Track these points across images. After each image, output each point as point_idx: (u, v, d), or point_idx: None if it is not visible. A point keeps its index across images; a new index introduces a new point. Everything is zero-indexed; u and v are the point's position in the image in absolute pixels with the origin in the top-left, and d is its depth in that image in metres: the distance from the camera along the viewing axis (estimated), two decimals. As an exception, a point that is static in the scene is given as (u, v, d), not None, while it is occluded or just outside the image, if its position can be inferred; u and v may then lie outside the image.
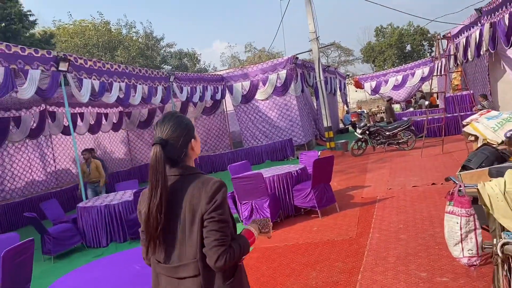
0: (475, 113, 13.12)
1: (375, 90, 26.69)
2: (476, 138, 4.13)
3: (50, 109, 13.84)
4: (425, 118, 15.30)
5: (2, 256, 3.67)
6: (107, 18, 39.62)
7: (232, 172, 7.79)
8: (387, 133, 12.59)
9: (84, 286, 2.92)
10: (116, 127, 17.59)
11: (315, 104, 19.57)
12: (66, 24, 34.49)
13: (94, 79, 9.63)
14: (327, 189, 6.55)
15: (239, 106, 16.61)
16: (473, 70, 14.86)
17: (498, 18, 11.35)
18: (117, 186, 9.31)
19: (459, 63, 15.67)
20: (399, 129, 12.51)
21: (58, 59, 8.45)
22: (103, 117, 16.76)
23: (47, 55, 8.27)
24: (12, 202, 10.97)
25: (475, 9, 13.07)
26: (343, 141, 15.01)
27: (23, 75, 7.73)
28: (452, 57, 15.60)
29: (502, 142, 3.67)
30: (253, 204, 6.18)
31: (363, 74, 30.13)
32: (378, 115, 30.62)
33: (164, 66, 40.35)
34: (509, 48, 10.97)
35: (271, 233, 2.07)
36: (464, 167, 3.55)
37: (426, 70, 24.56)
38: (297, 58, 15.62)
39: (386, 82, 26.23)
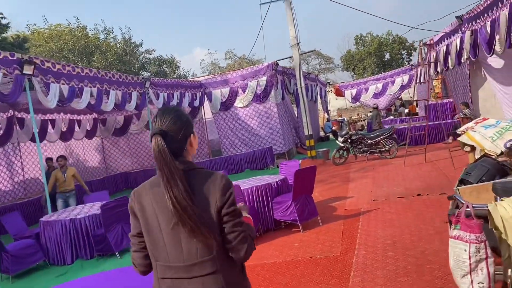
0: (457, 121, 13.10)
1: (356, 98, 26.64)
2: (473, 148, 3.80)
3: (19, 116, 13.14)
4: (406, 126, 15.22)
5: None
6: (84, 23, 38.59)
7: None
8: (369, 142, 12.34)
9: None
10: (90, 135, 16.93)
11: (295, 112, 19.29)
12: (41, 28, 33.58)
13: (62, 84, 9.06)
14: (309, 201, 6.16)
15: (218, 113, 16.17)
16: (453, 78, 14.78)
17: (480, 26, 11.25)
18: (86, 198, 8.74)
19: (439, 71, 15.61)
20: (381, 137, 12.29)
21: (22, 61, 7.87)
22: (76, 124, 16.10)
23: (10, 57, 7.69)
24: (-27, 215, 10.26)
25: (456, 17, 12.97)
26: (324, 149, 14.72)
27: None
28: (433, 64, 15.55)
29: (502, 153, 3.35)
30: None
31: (343, 82, 30.12)
32: (358, 123, 30.64)
33: (142, 73, 39.68)
34: (490, 55, 10.86)
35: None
36: (462, 181, 3.20)
37: (406, 78, 24.62)
38: (277, 64, 15.30)
39: (367, 90, 26.21)
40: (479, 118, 3.98)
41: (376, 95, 25.84)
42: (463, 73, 13.96)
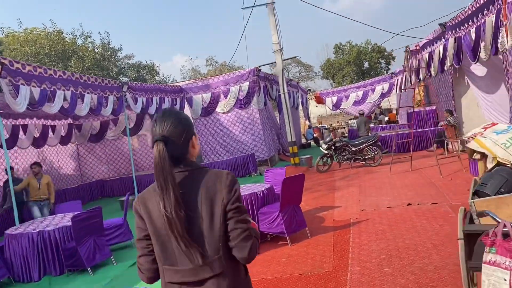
0: (441, 129, 13.01)
1: (336, 106, 26.59)
2: (483, 155, 3.51)
3: (-13, 120, 12.42)
4: (388, 134, 15.09)
5: None
6: (61, 27, 37.69)
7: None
8: (353, 149, 12.10)
9: None
10: (64, 141, 16.25)
11: (277, 118, 19.00)
12: (16, 32, 32.58)
13: (33, 86, 8.51)
14: (296, 212, 5.80)
15: (199, 119, 15.73)
16: (436, 85, 14.74)
17: (464, 33, 11.18)
18: (57, 208, 8.17)
19: (421, 78, 15.57)
20: (365, 144, 12.06)
21: (-12, 62, 7.33)
22: (50, 130, 15.42)
23: (-25, 57, 7.14)
24: None
25: (439, 24, 12.94)
26: (307, 156, 14.43)
27: None
28: (414, 72, 15.52)
29: (516, 161, 3.06)
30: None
31: (323, 90, 30.10)
32: (338, 130, 30.58)
33: (121, 78, 38.90)
34: (475, 62, 10.78)
35: None
36: (477, 193, 2.89)
37: (386, 86, 24.68)
38: (259, 70, 15.00)
39: (347, 97, 26.19)
40: (487, 123, 3.70)
41: (357, 103, 25.86)
42: (446, 80, 13.92)
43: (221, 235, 1.66)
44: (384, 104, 33.04)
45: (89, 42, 37.40)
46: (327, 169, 12.36)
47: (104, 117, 15.84)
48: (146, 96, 13.11)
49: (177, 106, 15.07)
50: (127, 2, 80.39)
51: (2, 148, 12.63)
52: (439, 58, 13.48)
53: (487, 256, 2.02)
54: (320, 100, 26.64)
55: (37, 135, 14.48)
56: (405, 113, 22.46)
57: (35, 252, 6.13)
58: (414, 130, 14.50)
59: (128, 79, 38.65)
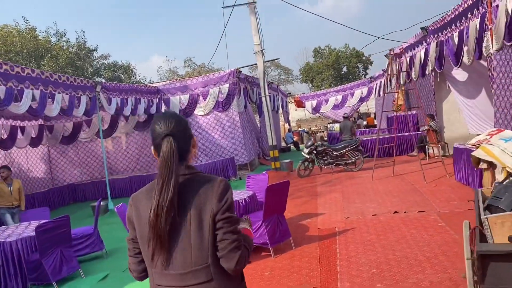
0: (422, 133, 12.91)
1: (316, 109, 26.50)
2: (490, 165, 3.24)
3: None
4: (370, 138, 14.95)
5: None
6: (34, 25, 36.52)
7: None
8: (335, 153, 11.86)
9: None
10: (34, 143, 15.50)
11: (258, 122, 18.68)
12: (-15, 29, 31.42)
13: (-2, 85, 7.95)
14: (281, 221, 5.46)
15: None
16: (417, 90, 14.64)
17: (446, 37, 11.09)
18: (22, 216, 7.61)
19: (401, 83, 15.51)
20: (347, 149, 11.84)
21: None
22: (19, 131, 14.68)
23: None
24: None
25: (421, 28, 12.87)
26: (288, 160, 14.13)
27: None
28: (397, 75, 15.47)
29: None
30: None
31: (302, 93, 29.99)
32: (317, 134, 30.50)
33: (96, 78, 37.95)
34: (458, 67, 10.69)
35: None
36: (489, 208, 2.61)
37: (365, 90, 24.72)
38: (240, 71, 14.65)
39: (327, 101, 26.14)
40: (492, 129, 3.44)
41: (336, 107, 25.84)
42: (427, 85, 13.87)
43: (210, 244, 1.64)
44: (362, 109, 33.14)
45: (64, 41, 36.41)
46: (308, 173, 12.09)
47: (77, 118, 15.21)
48: (121, 97, 12.59)
49: (154, 108, 14.59)
50: (104, 1, 78.93)
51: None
52: (420, 62, 13.42)
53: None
54: (300, 104, 26.49)
55: (4, 136, 13.74)
56: (383, 117, 22.55)
57: (-5, 264, 5.60)
58: (393, 135, 14.44)
59: (104, 80, 37.74)
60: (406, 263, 4.43)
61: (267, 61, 17.00)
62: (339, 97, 25.61)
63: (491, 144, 3.14)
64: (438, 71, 12.33)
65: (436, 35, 12.01)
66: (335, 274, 4.41)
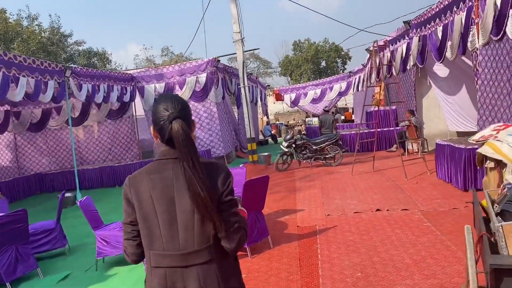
0: (401, 129, 12.75)
1: (295, 103, 26.26)
2: (498, 163, 2.93)
3: None
4: (348, 133, 14.73)
5: None
6: (3, 6, 34.95)
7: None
8: (314, 147, 11.56)
9: None
10: (0, 129, 14.69)
11: (235, 113, 18.25)
12: (-50, 9, 29.88)
13: (-47, 65, 7.29)
14: (259, 218, 5.09)
15: (150, 110, 14.68)
16: (397, 85, 14.44)
17: (430, 31, 10.89)
18: (-24, 208, 7.02)
19: (381, 78, 15.34)
20: (326, 143, 11.55)
21: None
22: (-18, 117, 13.89)
23: None
24: None
25: (404, 22, 12.65)
26: (265, 154, 13.77)
27: None
28: (381, 69, 15.29)
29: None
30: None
31: (281, 86, 29.69)
32: (295, 128, 30.27)
33: (70, 65, 36.72)
34: (440, 62, 10.52)
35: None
36: (502, 214, 2.29)
37: (343, 85, 24.61)
38: (218, 61, 14.17)
39: (306, 95, 25.92)
40: (498, 124, 3.15)
41: (315, 100, 25.65)
42: (408, 80, 13.70)
43: (213, 225, 1.67)
44: (340, 103, 33.06)
45: (36, 25, 35.01)
46: (286, 167, 11.77)
47: (45, 104, 14.47)
48: (92, 83, 11.95)
49: (127, 96, 13.98)
50: (79, -14, 76.44)
51: None
52: (401, 57, 13.24)
53: None
54: (279, 97, 26.20)
55: (-35, 122, 12.95)
56: (361, 112, 22.46)
57: None
58: (373, 130, 14.26)
59: (80, 67, 36.56)
60: (392, 267, 4.13)
61: (247, 51, 16.56)
62: (318, 91, 25.43)
63: (499, 141, 2.84)
64: (420, 66, 12.17)
65: (419, 29, 11.81)
66: (317, 278, 4.07)
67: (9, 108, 14.88)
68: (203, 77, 13.92)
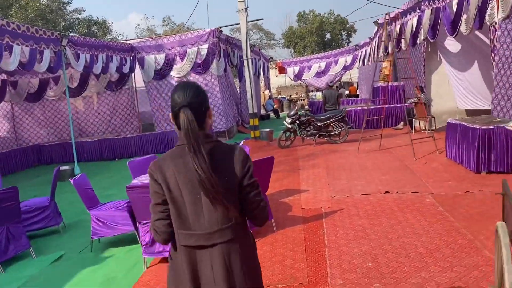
0: (410, 106, 12.35)
1: (298, 76, 25.70)
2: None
3: None
4: (354, 108, 14.34)
5: None
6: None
7: (133, 171, 5.74)
8: (319, 124, 11.21)
9: None
10: (-4, 99, 14.35)
11: (237, 86, 17.81)
12: None
13: None
14: (262, 201, 4.80)
15: (151, 82, 14.29)
16: (406, 60, 13.94)
17: (443, 3, 10.36)
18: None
19: (389, 52, 14.82)
20: (332, 120, 11.19)
21: None
22: (-22, 86, 13.51)
23: None
24: None
25: (416, -7, 12.06)
26: (268, 129, 13.44)
27: None
28: (383, 44, 14.76)
29: None
30: (157, 225, 4.26)
31: (285, 59, 29.05)
32: (298, 102, 29.79)
33: (69, 33, 35.96)
34: (454, 36, 10.04)
35: None
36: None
37: (349, 58, 24.00)
38: (221, 31, 13.65)
39: (310, 68, 25.33)
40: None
41: (319, 74, 25.07)
42: (417, 55, 13.21)
43: (236, 206, 1.80)
44: (344, 77, 32.43)
45: (34, -9, 34.09)
46: (289, 144, 11.45)
47: (42, 74, 14.06)
48: (91, 53, 11.51)
49: (127, 67, 13.54)
50: (78, -48, 74.15)
51: None
52: (411, 31, 12.72)
53: None
54: (282, 70, 25.62)
55: (-40, 91, 12.58)
56: (366, 87, 21.94)
57: None
58: (379, 106, 13.86)
59: (77, 35, 35.76)
60: (405, 257, 3.87)
61: (251, 21, 15.99)
62: (323, 64, 24.82)
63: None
64: (431, 40, 11.68)
65: (431, 1, 11.26)
66: (324, 268, 3.82)
67: (5, 77, 14.48)
68: (204, 49, 13.45)
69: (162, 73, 14.00)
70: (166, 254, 4.25)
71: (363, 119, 13.51)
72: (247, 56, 12.70)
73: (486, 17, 8.05)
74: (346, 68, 24.45)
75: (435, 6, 11.04)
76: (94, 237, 4.94)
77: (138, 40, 16.56)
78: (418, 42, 12.53)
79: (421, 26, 11.92)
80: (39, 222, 5.60)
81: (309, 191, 6.60)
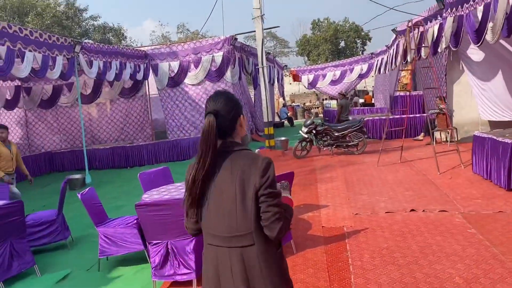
0: (431, 117, 11.91)
1: (312, 84, 25.38)
2: None
3: None
4: (377, 118, 13.92)
5: None
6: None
7: (143, 183, 5.46)
8: (336, 134, 10.85)
9: None
10: (10, 105, 14.33)
11: (252, 95, 17.56)
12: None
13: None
14: (281, 220, 4.48)
15: (164, 89, 14.10)
16: (426, 69, 13.50)
17: (467, 11, 9.98)
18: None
19: (408, 60, 14.42)
20: (349, 130, 10.83)
21: None
22: (-8, 92, 13.47)
23: None
24: None
25: (437, 0, 11.68)
26: (283, 138, 13.12)
27: None
28: (401, 52, 14.37)
29: None
30: (169, 246, 3.94)
31: (298, 67, 28.77)
32: (312, 110, 29.44)
33: (84, 40, 36.22)
34: (478, 45, 9.63)
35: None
36: None
37: (365, 67, 23.64)
38: (236, 39, 13.42)
39: (324, 76, 25.01)
40: None
41: (333, 82, 24.75)
42: (438, 64, 12.80)
43: (253, 214, 1.84)
44: (359, 86, 31.99)
45: (51, -2, 34.56)
46: (305, 154, 11.12)
47: (56, 81, 13.98)
48: (104, 60, 11.36)
49: (141, 74, 13.37)
50: (95, -40, 75.20)
51: None
52: (432, 39, 12.34)
53: None
54: (296, 78, 25.34)
55: (-26, 97, 12.53)
56: (383, 96, 21.48)
57: None
58: (397, 116, 13.46)
59: (91, 42, 36.00)
60: (439, 286, 3.51)
61: (267, 29, 15.73)
62: (337, 73, 24.50)
63: None
64: (453, 49, 11.29)
65: (454, 8, 10.87)
66: (350, 298, 3.48)
67: (19, 84, 14.45)
68: (219, 56, 13.22)
69: (176, 80, 13.80)
70: (178, 278, 3.95)
71: (381, 129, 13.18)
72: (262, 64, 12.42)
73: (516, 25, 7.65)
74: (361, 76, 24.12)
75: (458, 14, 10.66)
76: (101, 255, 4.66)
77: (152, 47, 16.43)
78: (439, 50, 12.14)
79: (443, 34, 11.54)
80: (46, 236, 5.35)
81: (328, 207, 6.26)
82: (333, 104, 25.87)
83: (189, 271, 3.89)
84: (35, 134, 15.26)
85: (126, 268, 4.74)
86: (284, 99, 26.72)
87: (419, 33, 13.21)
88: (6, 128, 6.95)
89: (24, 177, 11.65)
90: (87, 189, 4.86)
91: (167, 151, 12.77)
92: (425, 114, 12.95)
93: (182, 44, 14.36)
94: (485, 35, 9.13)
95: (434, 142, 11.58)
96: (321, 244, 4.76)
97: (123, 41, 40.07)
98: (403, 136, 9.80)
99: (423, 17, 12.92)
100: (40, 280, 4.62)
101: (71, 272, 4.78)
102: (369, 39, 50.45)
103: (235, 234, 1.85)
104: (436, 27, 12.22)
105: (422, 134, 12.43)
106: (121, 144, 13.89)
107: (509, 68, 10.81)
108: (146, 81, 14.38)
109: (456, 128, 11.72)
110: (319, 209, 6.21)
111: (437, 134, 11.98)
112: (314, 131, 10.89)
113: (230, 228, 1.86)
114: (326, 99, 30.56)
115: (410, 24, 9.05)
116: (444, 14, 11.52)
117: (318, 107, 30.74)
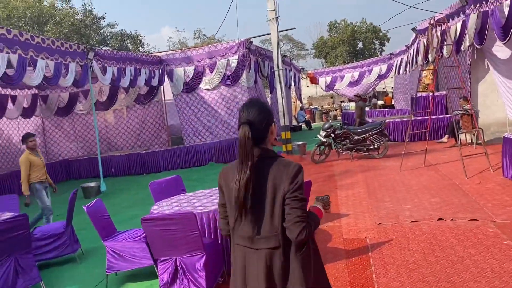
0: (455, 118, 11.40)
1: (330, 86, 24.98)
2: None
3: None
4: (392, 120, 13.48)
5: None
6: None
7: (154, 193, 5.22)
8: (356, 138, 10.47)
9: None
10: (27, 113, 14.38)
11: (268, 98, 17.27)
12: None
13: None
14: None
15: (180, 95, 13.94)
16: (449, 69, 12.99)
17: (493, 7, 9.51)
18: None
19: (430, 60, 13.93)
20: (370, 133, 10.43)
21: None
22: (10, 100, 13.51)
23: None
24: None
25: (460, -3, 11.22)
26: (300, 143, 12.79)
27: None
28: (422, 51, 13.91)
29: None
30: (178, 263, 3.67)
31: (315, 69, 28.37)
32: (330, 113, 28.93)
33: (102, 47, 36.58)
34: (505, 42, 9.15)
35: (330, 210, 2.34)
36: None
37: (384, 67, 23.13)
38: (251, 42, 13.18)
39: (342, 78, 24.58)
40: None
41: (352, 84, 24.31)
42: (462, 63, 12.29)
43: (280, 217, 1.95)
44: (378, 87, 31.40)
45: (69, 7, 34.99)
46: (324, 159, 10.75)
47: (72, 88, 13.97)
48: (118, 66, 11.25)
49: (156, 80, 13.25)
50: (113, -32, 76.31)
51: None
52: (455, 37, 11.86)
53: None
54: (313, 80, 24.97)
55: (-9, 106, 12.59)
56: (403, 97, 20.91)
57: None
58: (419, 118, 12.98)
59: (105, 49, 36.34)
60: (477, 310, 3.15)
61: (282, 31, 15.45)
62: (356, 74, 24.06)
63: None
64: (478, 47, 10.80)
65: (478, 4, 10.41)
66: (376, 322, 3.14)
67: (36, 92, 14.49)
68: (234, 60, 12.99)
69: (191, 85, 13.63)
70: (187, 298, 3.67)
71: (402, 132, 12.72)
72: (278, 67, 12.12)
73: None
74: (380, 77, 23.63)
75: (482, 10, 10.19)
76: (109, 271, 4.42)
77: (167, 52, 16.32)
78: (462, 48, 11.67)
79: (466, 31, 11.07)
80: (54, 250, 5.15)
81: (349, 216, 5.91)
82: (352, 106, 25.38)
83: (199, 289, 3.61)
84: (52, 142, 15.29)
85: (136, 284, 4.49)
86: (301, 102, 26.34)
87: (441, 30, 12.76)
88: (34, 135, 6.84)
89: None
90: (93, 201, 4.64)
91: (182, 157, 12.58)
92: (448, 115, 12.46)
93: (197, 48, 14.19)
94: (512, 31, 8.66)
95: (460, 145, 11.12)
96: (343, 257, 4.42)
97: (140, 48, 40.36)
98: (427, 138, 9.33)
99: (445, 15, 12.45)
100: (46, 298, 4.41)
101: (79, 288, 4.56)
102: (387, 40, 49.68)
103: (261, 235, 1.96)
104: (458, 25, 11.75)
105: (446, 136, 11.94)
106: (137, 150, 13.77)
107: (538, 66, 10.27)
108: (162, 86, 14.25)
109: (482, 130, 11.20)
110: (339, 218, 5.86)
111: (462, 136, 11.47)
112: (332, 135, 10.53)
113: (256, 231, 1.97)
114: (343, 101, 30.05)
115: (432, 21, 8.59)
116: (467, 11, 11.06)
117: (336, 110, 30.25)
